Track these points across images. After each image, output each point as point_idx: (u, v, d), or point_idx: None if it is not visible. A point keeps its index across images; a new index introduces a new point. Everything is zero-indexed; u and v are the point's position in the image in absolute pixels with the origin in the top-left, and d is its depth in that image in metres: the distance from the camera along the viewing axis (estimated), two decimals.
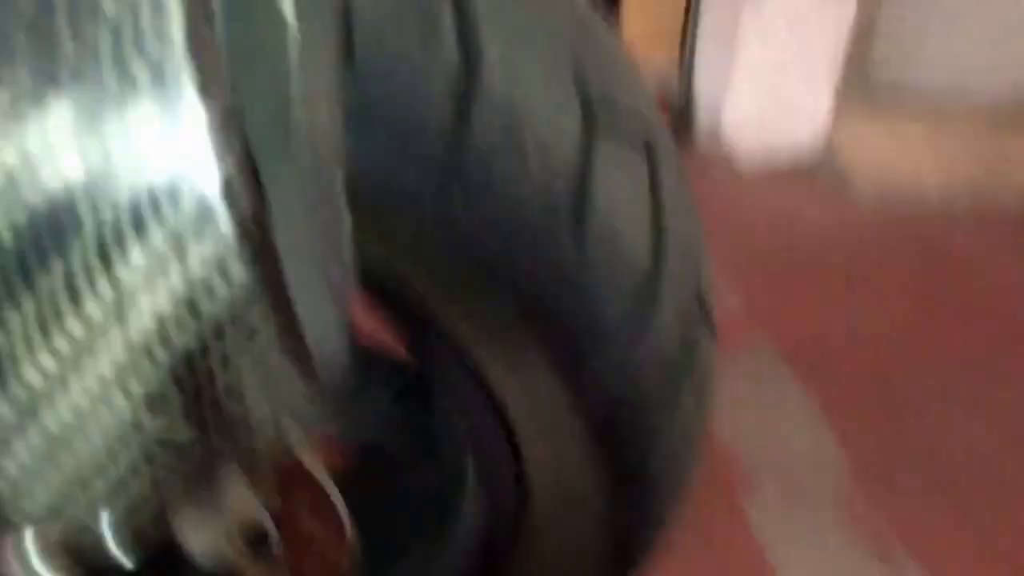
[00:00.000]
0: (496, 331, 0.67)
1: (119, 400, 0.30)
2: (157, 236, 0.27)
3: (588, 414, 0.73)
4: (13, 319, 0.28)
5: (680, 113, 2.41)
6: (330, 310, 0.35)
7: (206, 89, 0.27)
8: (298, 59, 0.36)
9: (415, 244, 0.61)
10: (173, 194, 0.27)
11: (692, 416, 0.78)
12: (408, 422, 0.89)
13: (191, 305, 0.29)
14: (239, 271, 0.29)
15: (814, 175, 2.35)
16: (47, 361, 0.28)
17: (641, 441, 0.76)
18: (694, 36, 2.36)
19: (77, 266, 0.27)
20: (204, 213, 0.27)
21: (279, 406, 0.34)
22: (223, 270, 0.28)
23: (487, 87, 0.58)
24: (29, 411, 0.29)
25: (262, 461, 0.37)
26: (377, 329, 0.77)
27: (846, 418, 1.62)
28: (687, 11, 2.34)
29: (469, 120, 0.58)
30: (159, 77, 0.26)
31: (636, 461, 0.77)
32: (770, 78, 2.27)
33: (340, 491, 0.80)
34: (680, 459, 0.80)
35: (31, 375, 0.29)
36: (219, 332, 0.30)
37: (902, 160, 2.32)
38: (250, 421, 0.33)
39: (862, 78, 2.41)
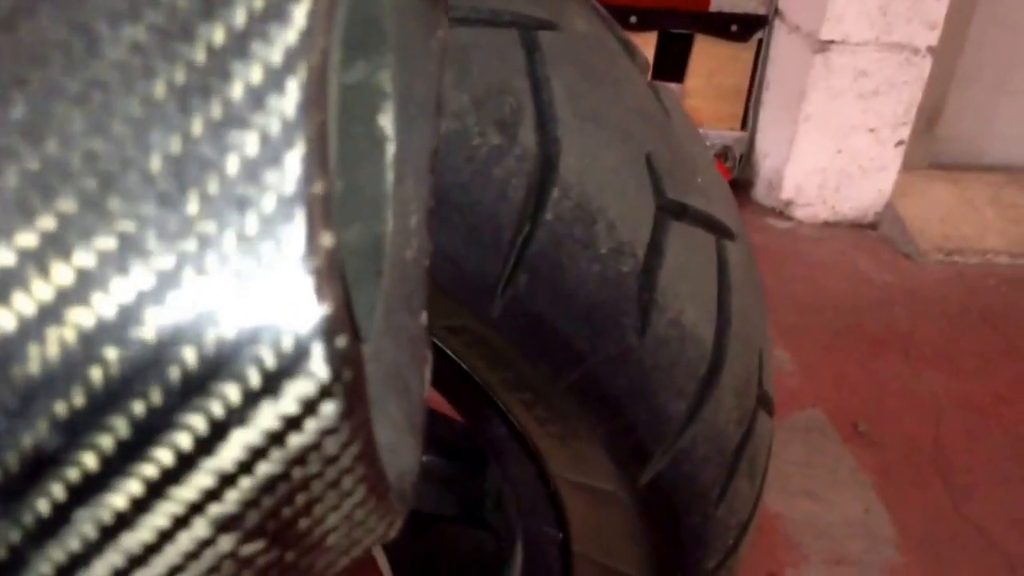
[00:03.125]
0: (554, 413, 0.66)
1: (198, 521, 0.30)
2: (253, 375, 0.27)
3: (638, 491, 0.72)
4: (104, 443, 0.28)
5: (741, 167, 2.40)
6: (406, 435, 0.35)
7: (315, 235, 0.27)
8: (394, 173, 0.36)
9: (478, 325, 0.61)
10: (270, 334, 0.27)
11: (744, 496, 0.77)
12: (459, 484, 0.89)
13: (278, 437, 0.29)
14: (328, 408, 0.29)
15: (876, 233, 2.32)
16: (135, 487, 0.29)
17: (689, 519, 0.75)
18: (760, 91, 2.35)
19: (166, 403, 0.27)
20: (300, 353, 0.27)
21: (349, 519, 0.34)
22: (313, 406, 0.28)
23: (563, 174, 0.58)
24: (111, 532, 0.30)
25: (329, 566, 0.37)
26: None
27: (898, 486, 1.59)
28: (754, 67, 2.33)
29: (543, 206, 0.58)
30: (268, 218, 0.26)
31: (682, 538, 0.76)
32: (835, 135, 2.25)
33: (387, 553, 0.80)
34: (728, 537, 0.79)
35: (117, 500, 0.29)
36: (301, 460, 0.30)
37: (967, 221, 2.28)
38: (320, 532, 0.33)
39: (930, 137, 2.38)
